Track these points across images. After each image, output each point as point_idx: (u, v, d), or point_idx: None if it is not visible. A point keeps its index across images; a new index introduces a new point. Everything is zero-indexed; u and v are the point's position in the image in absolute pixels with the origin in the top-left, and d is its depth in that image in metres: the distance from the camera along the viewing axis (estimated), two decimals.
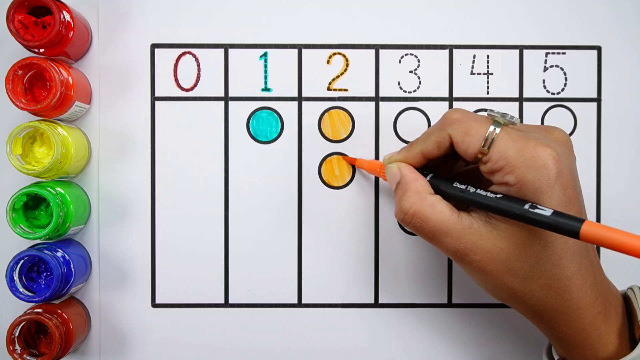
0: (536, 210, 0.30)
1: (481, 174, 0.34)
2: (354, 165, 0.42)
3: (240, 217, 0.43)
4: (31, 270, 0.39)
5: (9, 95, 0.38)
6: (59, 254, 0.39)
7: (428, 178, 0.35)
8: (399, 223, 0.43)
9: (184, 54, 0.43)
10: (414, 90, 0.43)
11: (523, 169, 0.31)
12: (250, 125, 0.43)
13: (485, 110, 0.42)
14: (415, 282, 0.43)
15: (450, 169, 0.38)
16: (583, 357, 0.33)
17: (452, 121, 0.33)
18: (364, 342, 0.43)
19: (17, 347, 0.38)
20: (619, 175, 0.43)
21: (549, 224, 0.29)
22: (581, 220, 0.28)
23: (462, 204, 0.34)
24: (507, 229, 0.32)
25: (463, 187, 0.33)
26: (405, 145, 0.43)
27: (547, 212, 0.29)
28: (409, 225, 0.34)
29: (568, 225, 0.29)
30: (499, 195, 0.31)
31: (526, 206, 0.30)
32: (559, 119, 0.43)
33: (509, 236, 0.32)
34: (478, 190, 0.32)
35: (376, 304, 0.43)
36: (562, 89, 0.43)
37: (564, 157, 0.31)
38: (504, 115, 0.32)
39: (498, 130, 0.32)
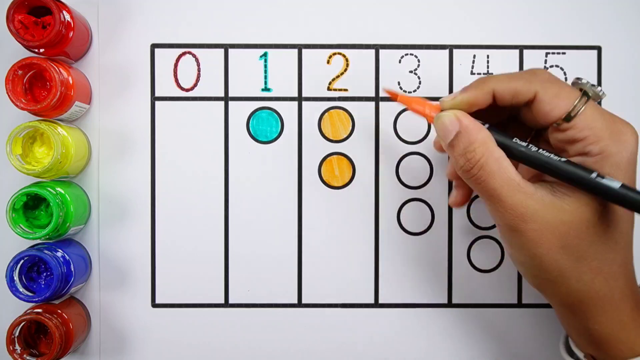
0: (604, 181, 0.29)
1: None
2: (395, 99, 0.36)
3: (240, 217, 0.43)
4: (31, 270, 0.39)
5: (9, 95, 0.38)
6: (59, 254, 0.39)
7: (486, 127, 0.32)
8: (399, 221, 0.43)
9: (184, 54, 0.43)
10: (414, 90, 0.43)
11: (608, 141, 0.30)
12: (250, 125, 0.43)
13: None
14: (415, 282, 0.43)
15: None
16: (616, 352, 0.31)
17: (544, 79, 0.32)
18: (364, 342, 0.43)
19: (17, 347, 0.38)
20: None
21: (616, 196, 0.29)
22: None
23: (520, 162, 0.32)
24: (572, 203, 0.30)
25: (524, 143, 0.31)
26: (406, 143, 0.43)
27: (616, 184, 0.29)
28: (472, 178, 0.31)
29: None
30: (563, 159, 0.30)
31: (593, 175, 0.29)
32: None
33: (573, 210, 0.30)
34: (541, 150, 0.31)
35: (376, 304, 0.43)
36: None
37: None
38: (593, 86, 0.32)
39: (587, 100, 0.31)
